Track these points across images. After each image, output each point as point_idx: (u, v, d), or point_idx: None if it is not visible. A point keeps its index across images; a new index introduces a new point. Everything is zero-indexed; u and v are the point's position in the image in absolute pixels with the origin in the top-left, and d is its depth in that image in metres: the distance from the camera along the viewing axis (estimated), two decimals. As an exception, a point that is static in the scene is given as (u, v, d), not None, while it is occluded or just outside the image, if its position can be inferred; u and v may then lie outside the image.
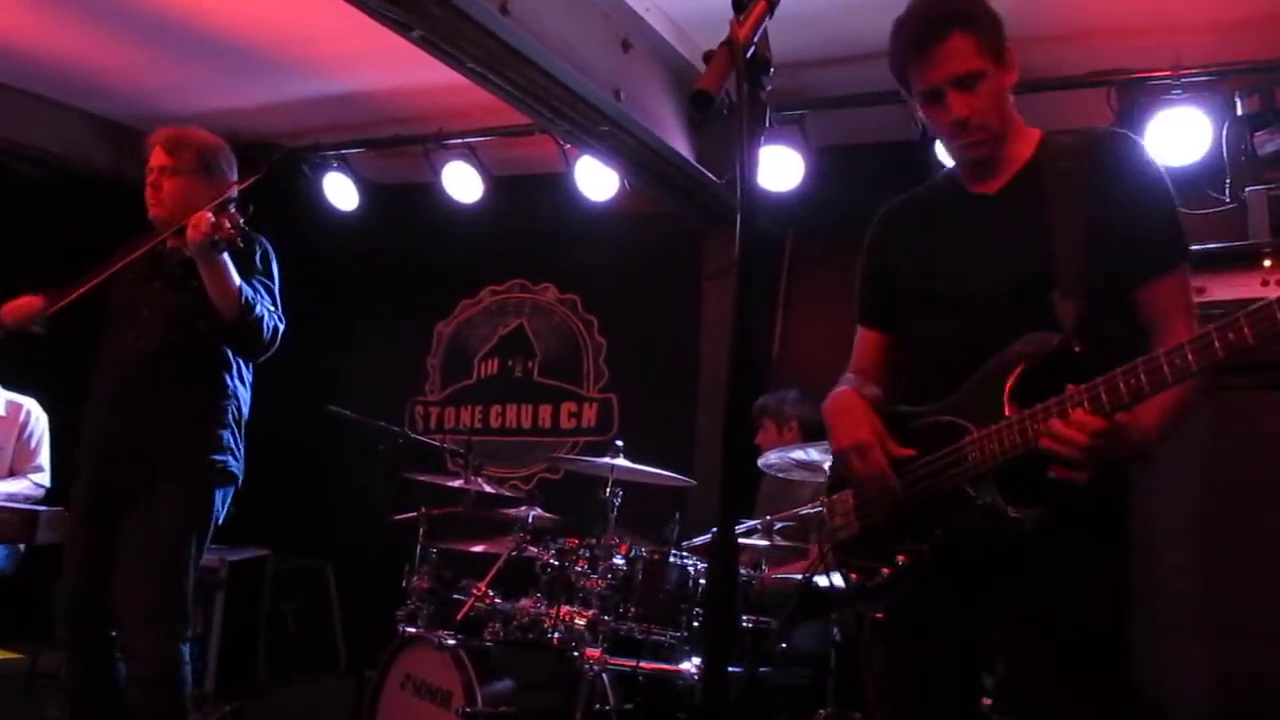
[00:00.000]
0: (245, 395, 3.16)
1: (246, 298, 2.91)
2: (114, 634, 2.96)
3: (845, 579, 2.03)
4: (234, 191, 3.14)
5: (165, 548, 2.91)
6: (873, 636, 2.04)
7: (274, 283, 3.13)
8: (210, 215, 2.79)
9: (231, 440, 3.06)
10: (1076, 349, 1.72)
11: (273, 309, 3.05)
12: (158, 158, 3.10)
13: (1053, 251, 1.78)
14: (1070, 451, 1.64)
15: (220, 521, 3.09)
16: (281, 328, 3.07)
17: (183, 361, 3.00)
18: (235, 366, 3.10)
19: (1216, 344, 1.51)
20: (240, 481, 3.11)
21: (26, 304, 3.09)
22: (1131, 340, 1.75)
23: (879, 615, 1.96)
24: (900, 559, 1.88)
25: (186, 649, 2.93)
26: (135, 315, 3.03)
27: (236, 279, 2.90)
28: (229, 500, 3.10)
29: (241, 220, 2.82)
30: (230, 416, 3.07)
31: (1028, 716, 1.93)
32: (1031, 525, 1.71)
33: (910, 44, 1.89)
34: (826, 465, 3.39)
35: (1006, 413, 1.74)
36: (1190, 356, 1.54)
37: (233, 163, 3.20)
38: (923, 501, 1.85)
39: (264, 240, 3.15)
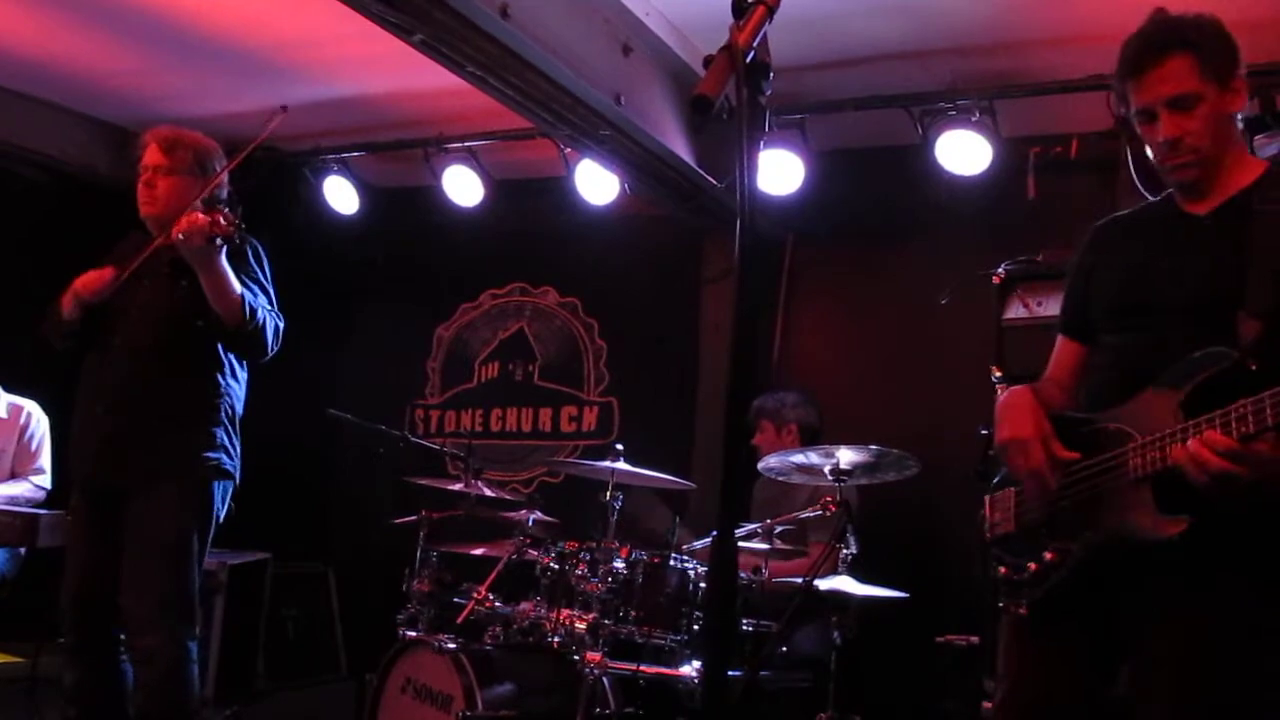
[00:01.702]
0: (239, 392, 3.14)
1: (249, 303, 2.89)
2: (119, 635, 2.95)
3: (994, 573, 2.06)
4: (222, 185, 3.12)
5: (168, 547, 2.91)
6: (1012, 631, 2.06)
7: (268, 280, 3.12)
8: (202, 214, 2.77)
9: (225, 438, 3.05)
10: (1252, 366, 1.71)
11: (270, 308, 3.03)
12: (153, 156, 3.08)
13: (1247, 272, 1.79)
14: (1195, 472, 1.65)
15: (221, 519, 3.07)
16: (282, 326, 3.05)
17: (173, 360, 2.99)
18: (227, 364, 3.08)
19: None
20: (238, 478, 3.10)
21: (99, 276, 3.02)
22: None
23: (1022, 610, 1.97)
24: (1048, 556, 1.91)
25: (194, 647, 2.92)
26: (124, 314, 3.01)
27: (236, 285, 2.88)
28: (229, 497, 3.09)
29: (235, 217, 2.79)
30: (224, 414, 3.06)
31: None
32: (1178, 536, 1.70)
33: (1130, 62, 1.93)
34: (827, 469, 3.40)
35: (1173, 423, 1.74)
36: None
37: (223, 164, 3.18)
38: (1078, 503, 1.88)
39: (253, 238, 3.13)
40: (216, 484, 3.02)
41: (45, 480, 4.44)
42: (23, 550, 4.20)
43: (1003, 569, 2.03)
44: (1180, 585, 1.77)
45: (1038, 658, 1.99)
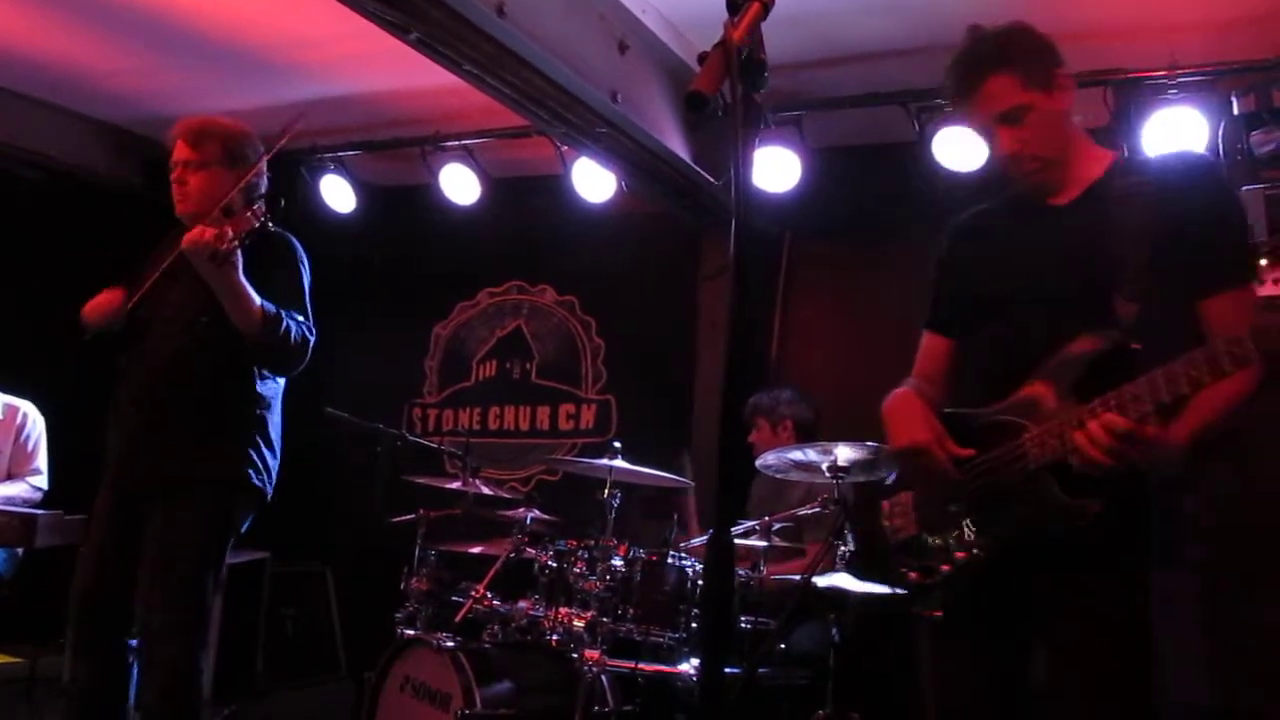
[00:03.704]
0: (276, 402, 3.02)
1: (268, 314, 2.75)
2: (126, 637, 2.89)
3: (902, 579, 2.05)
4: (260, 176, 2.96)
5: (183, 558, 2.83)
6: (931, 635, 2.07)
7: (304, 289, 2.95)
8: (211, 228, 2.64)
9: (255, 453, 2.92)
10: (1135, 346, 1.74)
11: (301, 319, 2.87)
12: (181, 151, 2.95)
13: (1117, 257, 1.81)
14: (1096, 455, 1.68)
15: (242, 531, 2.99)
16: (312, 339, 2.89)
17: (205, 366, 2.86)
18: (259, 370, 2.96)
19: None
20: (268, 495, 2.97)
21: (107, 300, 2.92)
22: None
23: (938, 614, 1.98)
24: (959, 555, 1.92)
25: (204, 656, 2.86)
26: (158, 317, 2.92)
27: (255, 298, 2.73)
28: (252, 511, 2.98)
29: (256, 222, 2.65)
30: (258, 423, 2.94)
31: (1048, 705, 1.94)
32: (1090, 517, 1.73)
33: (953, 88, 1.99)
34: (825, 466, 3.40)
35: (1066, 410, 1.76)
36: (1224, 358, 1.55)
37: (260, 151, 3.02)
38: (983, 499, 1.89)
39: (292, 239, 2.99)
40: (239, 501, 2.92)
41: (42, 481, 4.43)
42: (20, 551, 4.20)
43: (912, 574, 2.02)
44: (1086, 569, 1.80)
45: (963, 664, 1.99)
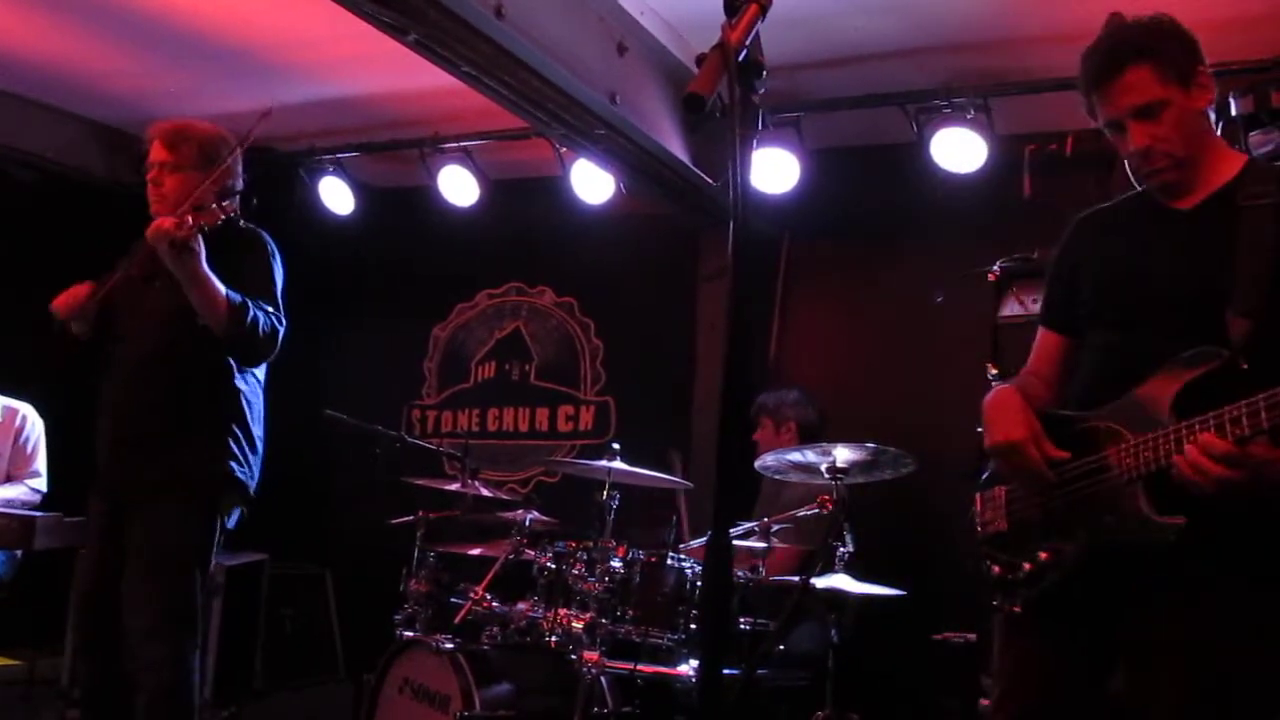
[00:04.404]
0: (255, 399, 3.06)
1: (234, 303, 2.79)
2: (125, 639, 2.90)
3: (987, 572, 2.05)
4: (234, 177, 3.02)
5: (172, 557, 2.86)
6: (1006, 630, 2.05)
7: (274, 280, 3.00)
8: (169, 220, 2.68)
9: (237, 447, 2.96)
10: (1243, 366, 1.70)
11: (270, 310, 2.92)
12: (157, 153, 3.00)
13: (1234, 270, 1.77)
14: (1194, 477, 1.64)
15: (230, 527, 3.01)
16: (281, 329, 2.94)
17: (182, 364, 2.91)
18: (239, 368, 3.00)
19: None
20: (251, 488, 3.01)
21: (75, 292, 2.95)
22: None
23: (1016, 609, 1.97)
24: (1042, 555, 1.91)
25: (196, 658, 2.88)
26: (133, 318, 2.96)
27: (219, 287, 2.77)
28: (239, 505, 3.01)
29: (223, 216, 2.68)
30: (238, 421, 2.97)
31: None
32: (1174, 536, 1.69)
33: (1090, 77, 1.91)
34: (824, 468, 3.40)
35: (1165, 423, 1.73)
36: None
37: (237, 155, 3.06)
38: (1071, 503, 1.87)
39: (263, 234, 3.04)
40: (225, 497, 2.95)
41: (41, 483, 4.43)
42: (19, 553, 4.19)
43: (996, 568, 2.03)
44: (1178, 585, 1.76)
45: (1032, 657, 1.98)
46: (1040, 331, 2.17)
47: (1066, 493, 1.88)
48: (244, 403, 3.01)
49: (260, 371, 3.08)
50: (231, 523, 3.02)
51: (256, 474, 3.04)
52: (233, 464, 2.95)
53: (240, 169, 3.08)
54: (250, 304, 2.84)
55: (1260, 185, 1.85)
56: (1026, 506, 1.98)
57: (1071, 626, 1.92)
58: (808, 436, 4.20)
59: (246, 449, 3.00)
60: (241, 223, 2.77)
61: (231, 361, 2.97)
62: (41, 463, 4.47)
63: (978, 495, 2.13)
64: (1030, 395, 2.00)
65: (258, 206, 3.01)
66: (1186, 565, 1.74)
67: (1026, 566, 1.94)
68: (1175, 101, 1.85)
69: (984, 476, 2.13)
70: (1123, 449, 1.80)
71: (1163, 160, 1.88)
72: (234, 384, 2.98)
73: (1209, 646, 1.74)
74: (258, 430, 3.06)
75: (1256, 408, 1.60)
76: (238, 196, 3.02)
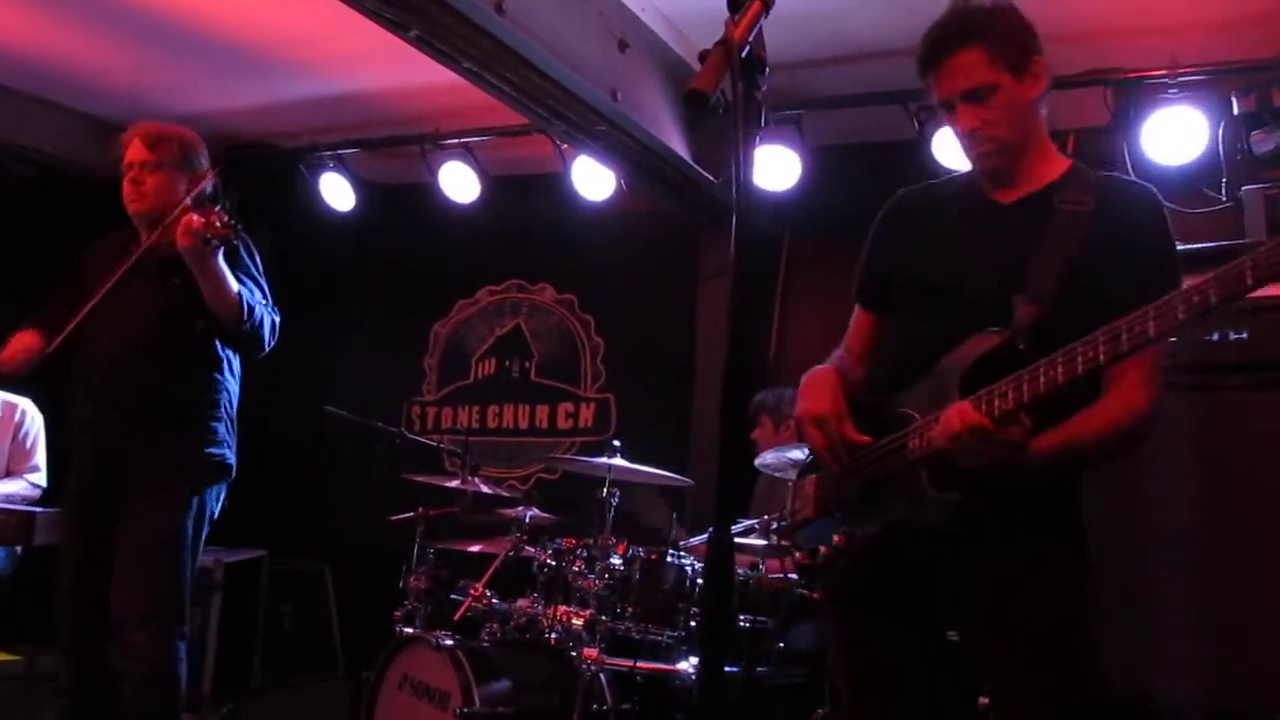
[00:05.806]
0: (235, 388, 3.14)
1: (247, 302, 2.89)
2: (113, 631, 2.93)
3: (795, 560, 2.13)
4: (208, 183, 3.13)
5: (162, 546, 2.90)
6: (828, 615, 2.12)
7: (261, 274, 3.11)
8: (196, 215, 2.77)
9: (224, 433, 3.05)
10: (1020, 347, 1.73)
11: (265, 303, 3.03)
12: (138, 152, 3.07)
13: (1033, 263, 1.80)
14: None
15: (216, 516, 3.08)
16: (279, 320, 3.05)
17: (165, 358, 2.98)
18: (225, 360, 3.08)
19: (1123, 338, 1.54)
20: (233, 473, 3.09)
21: (24, 345, 3.02)
22: None
23: (816, 595, 2.01)
24: (836, 539, 1.94)
25: (183, 646, 2.92)
26: (115, 314, 2.99)
27: (234, 284, 2.88)
28: (223, 493, 3.09)
29: (228, 216, 2.78)
30: (222, 410, 3.06)
31: (994, 714, 1.95)
32: (951, 510, 1.74)
33: (924, 57, 1.94)
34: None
35: (948, 404, 1.76)
36: (1097, 351, 1.56)
37: (206, 159, 3.18)
38: (869, 486, 1.91)
39: (243, 232, 3.13)
40: (212, 485, 3.02)
41: (41, 478, 4.43)
42: (19, 548, 4.19)
43: (799, 555, 2.07)
44: (983, 564, 1.79)
45: (851, 643, 2.00)
46: (856, 310, 2.19)
47: (865, 476, 1.91)
48: (226, 391, 3.09)
49: (236, 361, 3.15)
50: (217, 508, 3.07)
51: (234, 454, 3.13)
52: (220, 449, 3.04)
53: (214, 178, 3.21)
54: (248, 299, 2.94)
55: (1079, 192, 1.87)
56: (831, 493, 2.01)
57: (879, 607, 1.93)
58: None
59: (228, 435, 3.08)
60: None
61: (220, 355, 3.05)
62: (41, 458, 4.47)
63: (790, 485, 2.17)
64: (847, 376, 2.03)
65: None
66: (975, 539, 1.77)
67: (823, 550, 1.97)
68: (1005, 86, 1.88)
69: (803, 468, 2.16)
70: (910, 431, 1.83)
71: (988, 144, 1.90)
72: (218, 375, 3.06)
73: (1012, 620, 1.78)
74: (233, 413, 3.14)
75: (1020, 381, 1.64)
76: (215, 201, 3.12)
